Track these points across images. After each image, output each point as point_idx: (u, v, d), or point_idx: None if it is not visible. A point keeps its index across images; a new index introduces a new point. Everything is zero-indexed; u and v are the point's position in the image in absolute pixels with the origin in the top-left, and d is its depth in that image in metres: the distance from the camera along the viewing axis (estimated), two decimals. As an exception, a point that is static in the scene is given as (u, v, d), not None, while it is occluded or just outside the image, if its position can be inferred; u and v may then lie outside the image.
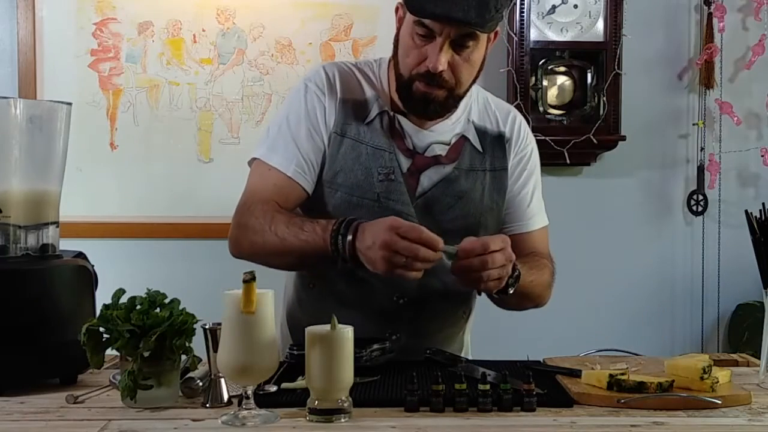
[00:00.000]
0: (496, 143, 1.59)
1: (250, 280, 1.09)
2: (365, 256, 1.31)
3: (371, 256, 1.30)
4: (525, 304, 1.57)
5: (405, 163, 1.53)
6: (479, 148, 1.57)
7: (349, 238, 1.33)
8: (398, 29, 1.51)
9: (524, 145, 1.63)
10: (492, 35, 1.50)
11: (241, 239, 1.47)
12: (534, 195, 1.64)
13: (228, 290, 1.12)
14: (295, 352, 1.34)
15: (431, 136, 1.55)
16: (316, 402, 1.12)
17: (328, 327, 1.13)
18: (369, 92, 1.56)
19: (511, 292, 1.41)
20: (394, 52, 1.52)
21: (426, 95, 1.46)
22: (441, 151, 1.55)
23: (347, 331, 1.13)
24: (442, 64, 1.42)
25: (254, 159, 1.55)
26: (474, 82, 1.53)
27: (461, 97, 1.52)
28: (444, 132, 1.56)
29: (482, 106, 1.62)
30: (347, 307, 1.47)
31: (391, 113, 1.54)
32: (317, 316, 1.45)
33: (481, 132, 1.59)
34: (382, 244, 1.27)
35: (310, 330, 1.13)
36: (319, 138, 1.52)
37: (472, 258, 1.31)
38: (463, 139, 1.57)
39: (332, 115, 1.53)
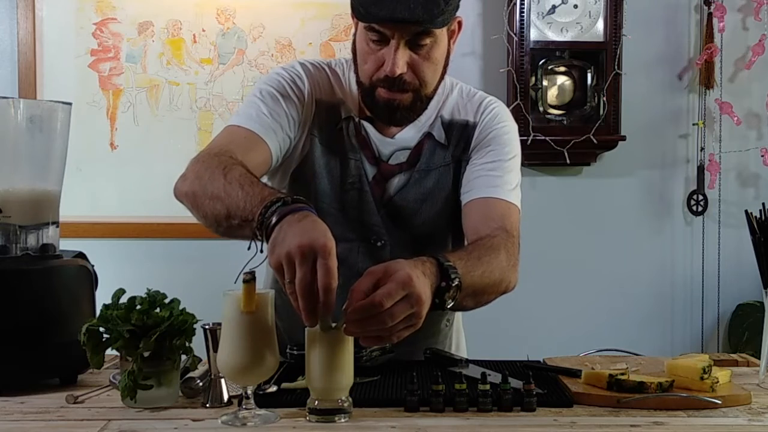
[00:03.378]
0: (462, 133, 1.52)
1: (250, 280, 1.09)
2: (270, 243, 1.12)
3: (272, 249, 1.10)
4: (486, 299, 1.35)
5: (371, 171, 1.49)
6: (443, 141, 1.51)
7: (273, 220, 1.13)
8: (353, 41, 1.47)
9: (491, 126, 1.53)
10: (455, 27, 1.45)
11: (189, 172, 1.38)
12: (500, 169, 1.49)
13: (228, 290, 1.12)
14: (295, 352, 1.34)
15: (396, 144, 1.51)
16: (316, 402, 1.12)
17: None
18: (338, 95, 1.51)
19: (450, 305, 1.22)
20: (353, 60, 1.48)
21: (390, 102, 1.42)
22: (404, 157, 1.51)
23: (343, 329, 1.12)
24: (400, 68, 1.37)
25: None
26: (441, 79, 1.48)
27: (429, 98, 1.47)
28: (409, 139, 1.51)
29: (456, 99, 1.55)
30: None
31: (357, 119, 1.50)
32: (292, 323, 1.43)
33: (447, 124, 1.52)
34: (286, 253, 1.06)
35: (310, 330, 1.13)
36: (294, 108, 1.45)
37: (366, 318, 1.08)
38: (426, 138, 1.51)
39: (304, 107, 1.46)
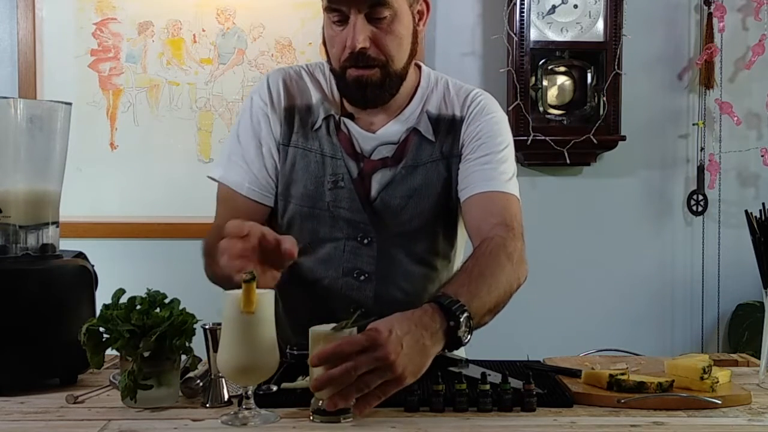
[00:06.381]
0: (449, 128, 1.52)
1: (250, 280, 1.08)
2: None
3: None
4: (501, 308, 1.34)
5: (354, 168, 1.50)
6: (431, 137, 1.51)
7: None
8: (323, 34, 1.50)
9: (478, 118, 1.52)
10: (423, 8, 1.48)
11: (205, 267, 1.44)
12: (494, 161, 1.49)
13: (228, 290, 1.12)
14: (296, 352, 1.34)
15: (378, 139, 1.51)
16: (321, 402, 1.11)
17: (330, 326, 1.13)
18: (315, 97, 1.54)
19: (468, 340, 1.21)
20: (325, 51, 1.50)
21: (359, 79, 1.43)
22: (388, 152, 1.51)
23: (352, 332, 1.12)
24: (360, 41, 1.39)
25: (214, 179, 1.55)
26: (411, 58, 1.49)
27: (400, 76, 1.47)
28: (392, 134, 1.52)
29: (441, 93, 1.55)
30: (311, 315, 1.31)
31: (338, 117, 1.52)
32: (294, 322, 1.45)
33: (434, 120, 1.52)
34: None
35: (314, 330, 1.13)
36: (268, 151, 1.51)
37: (332, 370, 1.05)
38: (413, 134, 1.51)
39: (277, 126, 1.52)
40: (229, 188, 1.52)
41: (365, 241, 1.50)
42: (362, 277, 1.50)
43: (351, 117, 1.53)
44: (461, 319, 1.18)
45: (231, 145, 1.55)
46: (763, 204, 1.36)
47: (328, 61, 1.50)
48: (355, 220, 1.49)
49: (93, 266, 1.39)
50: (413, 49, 1.48)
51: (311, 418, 1.12)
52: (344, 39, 1.41)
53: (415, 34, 1.47)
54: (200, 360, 1.25)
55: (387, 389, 1.08)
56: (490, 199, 1.47)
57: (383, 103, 1.50)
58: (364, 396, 1.07)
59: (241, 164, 1.52)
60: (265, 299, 1.11)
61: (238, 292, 1.09)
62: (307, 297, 1.52)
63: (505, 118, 1.58)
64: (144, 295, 1.21)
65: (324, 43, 1.50)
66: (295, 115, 1.53)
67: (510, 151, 1.54)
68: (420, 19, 1.49)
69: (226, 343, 1.11)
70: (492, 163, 1.49)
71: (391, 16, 1.41)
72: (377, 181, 1.50)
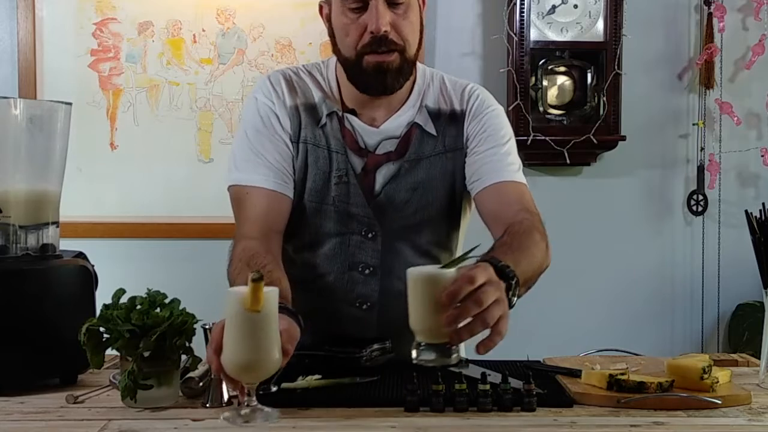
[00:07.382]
0: (450, 122, 1.55)
1: (258, 279, 1.08)
2: None
3: None
4: (533, 283, 1.39)
5: (358, 163, 1.51)
6: (432, 131, 1.53)
7: None
8: (329, 27, 1.51)
9: (480, 112, 1.55)
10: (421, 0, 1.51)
11: (230, 262, 1.44)
12: (500, 153, 1.53)
13: (231, 288, 1.12)
14: (296, 352, 1.34)
15: (381, 134, 1.53)
16: (422, 344, 1.13)
17: (431, 267, 1.15)
18: (317, 95, 1.55)
19: (514, 303, 1.23)
20: (334, 48, 1.51)
21: (379, 65, 1.45)
22: (391, 147, 1.53)
23: (452, 273, 1.13)
24: (385, 24, 1.41)
25: (230, 186, 1.53)
26: (419, 47, 1.51)
27: (413, 62, 1.50)
28: (394, 128, 1.53)
29: (438, 88, 1.58)
30: (312, 314, 1.35)
31: (341, 113, 1.53)
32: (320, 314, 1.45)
33: (434, 114, 1.55)
34: None
35: (414, 271, 1.14)
36: (283, 144, 1.51)
37: (464, 303, 1.09)
38: (414, 128, 1.53)
39: (286, 121, 1.52)
40: (252, 188, 1.49)
41: (369, 235, 1.51)
42: (367, 271, 1.51)
43: (353, 113, 1.54)
44: (513, 282, 1.21)
45: (241, 146, 1.53)
46: (763, 204, 1.36)
47: (336, 51, 1.50)
48: (360, 215, 1.50)
49: (93, 266, 1.40)
50: (421, 38, 1.51)
51: (416, 360, 1.14)
52: (362, 26, 1.43)
53: (421, 23, 1.51)
54: (200, 360, 1.25)
55: (501, 324, 1.12)
56: (505, 189, 1.50)
57: (399, 88, 1.52)
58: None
59: (259, 161, 1.50)
60: (270, 297, 1.11)
61: (242, 289, 1.09)
62: (313, 292, 1.52)
63: (503, 110, 1.61)
64: (144, 295, 1.21)
65: (331, 35, 1.50)
66: (301, 113, 1.53)
67: (513, 143, 1.58)
68: (420, 8, 1.51)
69: (230, 341, 1.10)
70: (499, 155, 1.52)
71: (407, 3, 1.44)
72: (381, 175, 1.52)
